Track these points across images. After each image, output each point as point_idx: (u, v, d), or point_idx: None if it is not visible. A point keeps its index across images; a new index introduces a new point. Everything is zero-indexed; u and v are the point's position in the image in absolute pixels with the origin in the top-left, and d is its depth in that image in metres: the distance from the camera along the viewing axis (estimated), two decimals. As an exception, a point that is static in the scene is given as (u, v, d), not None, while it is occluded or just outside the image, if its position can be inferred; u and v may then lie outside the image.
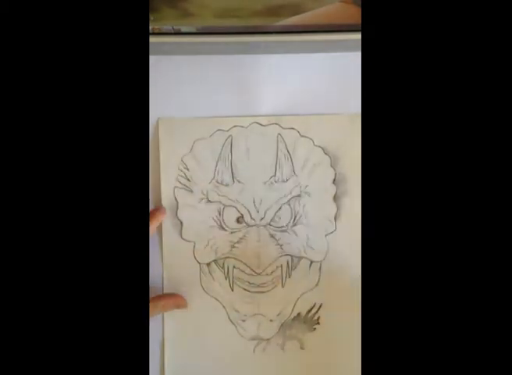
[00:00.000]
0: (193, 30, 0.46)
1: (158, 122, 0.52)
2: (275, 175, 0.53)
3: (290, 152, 0.53)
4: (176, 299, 0.52)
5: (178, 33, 0.46)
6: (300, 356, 0.53)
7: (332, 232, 0.53)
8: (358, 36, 0.41)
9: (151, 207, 0.53)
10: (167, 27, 0.46)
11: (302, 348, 0.53)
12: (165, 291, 0.53)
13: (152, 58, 0.50)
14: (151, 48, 0.37)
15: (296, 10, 0.45)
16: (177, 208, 0.53)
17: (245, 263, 0.53)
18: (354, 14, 0.44)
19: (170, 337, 0.52)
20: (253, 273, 0.53)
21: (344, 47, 0.50)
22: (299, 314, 0.53)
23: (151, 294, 0.52)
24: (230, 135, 0.53)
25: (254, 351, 0.53)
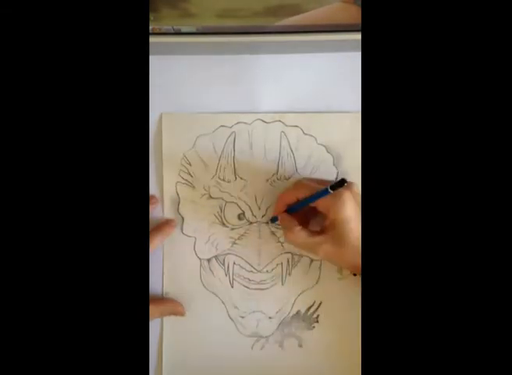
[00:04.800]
0: (193, 30, 0.47)
1: (161, 117, 0.54)
2: (277, 172, 0.54)
3: (293, 150, 0.54)
4: (174, 306, 0.53)
5: (178, 33, 0.47)
6: (299, 354, 0.54)
7: (333, 231, 0.54)
8: (358, 36, 0.41)
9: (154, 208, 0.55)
10: (167, 27, 0.47)
11: (300, 346, 0.54)
12: (165, 287, 0.54)
13: (154, 58, 0.51)
14: (152, 48, 0.38)
15: (296, 10, 0.46)
16: (179, 203, 0.54)
17: (245, 260, 0.54)
18: (354, 14, 0.45)
19: (169, 331, 0.54)
20: (253, 269, 0.54)
21: (344, 47, 0.51)
22: (298, 312, 0.54)
23: (151, 292, 0.53)
24: (233, 131, 0.54)
25: (252, 348, 0.54)
